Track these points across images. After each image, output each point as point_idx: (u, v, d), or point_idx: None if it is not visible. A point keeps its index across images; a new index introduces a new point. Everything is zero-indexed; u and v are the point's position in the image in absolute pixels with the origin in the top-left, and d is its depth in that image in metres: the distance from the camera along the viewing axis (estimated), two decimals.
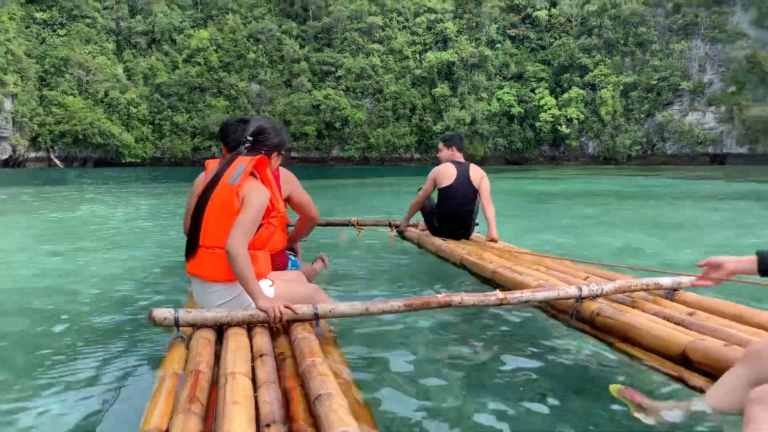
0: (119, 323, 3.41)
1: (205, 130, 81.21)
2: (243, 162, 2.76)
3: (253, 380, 2.11)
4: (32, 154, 73.77)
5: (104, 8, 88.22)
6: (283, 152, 3.09)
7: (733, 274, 2.15)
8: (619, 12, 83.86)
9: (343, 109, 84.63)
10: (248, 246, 2.62)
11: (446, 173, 5.39)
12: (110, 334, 3.20)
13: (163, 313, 2.49)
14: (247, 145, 2.89)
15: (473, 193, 5.39)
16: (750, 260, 2.08)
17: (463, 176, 5.38)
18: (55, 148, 75.54)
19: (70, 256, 6.07)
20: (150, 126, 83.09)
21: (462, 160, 5.56)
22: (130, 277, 4.76)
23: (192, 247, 2.73)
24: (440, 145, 5.73)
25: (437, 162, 5.72)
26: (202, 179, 3.02)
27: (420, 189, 5.63)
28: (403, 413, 2.22)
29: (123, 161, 77.61)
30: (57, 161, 74.55)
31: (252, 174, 2.80)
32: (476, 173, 5.45)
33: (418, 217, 6.00)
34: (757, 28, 75.04)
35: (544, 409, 2.25)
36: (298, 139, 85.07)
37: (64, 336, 3.21)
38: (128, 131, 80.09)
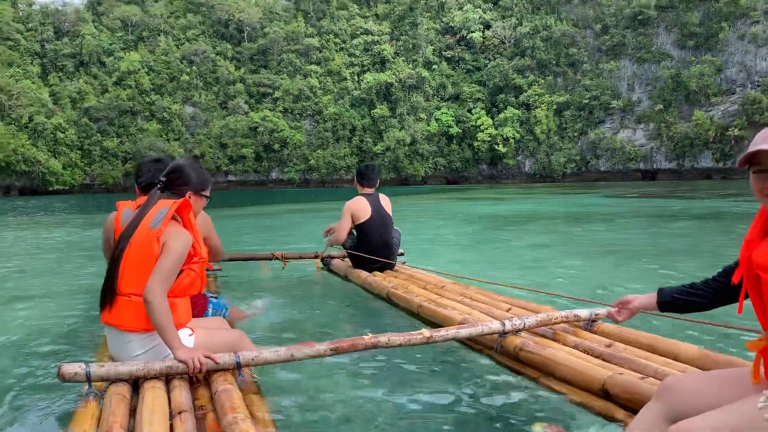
0: (23, 381, 3.12)
1: (137, 154, 78.69)
2: (165, 205, 2.68)
3: None
4: None
5: (28, 30, 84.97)
6: (204, 194, 3.01)
7: (638, 310, 2.30)
8: (550, 33, 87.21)
9: (282, 130, 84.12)
10: (167, 293, 2.53)
11: (362, 209, 5.47)
12: (12, 394, 2.92)
13: (73, 368, 2.37)
14: (158, 186, 2.81)
15: (390, 222, 5.56)
16: (652, 297, 2.22)
17: (377, 208, 5.50)
18: None
19: None
20: (79, 152, 79.99)
21: (371, 192, 5.64)
22: (38, 329, 4.36)
23: (108, 295, 2.62)
24: (355, 180, 5.77)
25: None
26: (113, 220, 2.92)
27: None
28: None
29: (50, 189, 74.36)
30: None
31: (174, 218, 2.71)
32: (386, 201, 5.62)
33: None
34: (680, 48, 79.62)
35: None
36: (236, 162, 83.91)
37: None
38: (55, 157, 76.89)
